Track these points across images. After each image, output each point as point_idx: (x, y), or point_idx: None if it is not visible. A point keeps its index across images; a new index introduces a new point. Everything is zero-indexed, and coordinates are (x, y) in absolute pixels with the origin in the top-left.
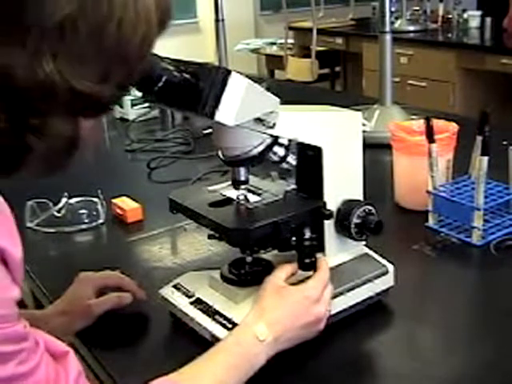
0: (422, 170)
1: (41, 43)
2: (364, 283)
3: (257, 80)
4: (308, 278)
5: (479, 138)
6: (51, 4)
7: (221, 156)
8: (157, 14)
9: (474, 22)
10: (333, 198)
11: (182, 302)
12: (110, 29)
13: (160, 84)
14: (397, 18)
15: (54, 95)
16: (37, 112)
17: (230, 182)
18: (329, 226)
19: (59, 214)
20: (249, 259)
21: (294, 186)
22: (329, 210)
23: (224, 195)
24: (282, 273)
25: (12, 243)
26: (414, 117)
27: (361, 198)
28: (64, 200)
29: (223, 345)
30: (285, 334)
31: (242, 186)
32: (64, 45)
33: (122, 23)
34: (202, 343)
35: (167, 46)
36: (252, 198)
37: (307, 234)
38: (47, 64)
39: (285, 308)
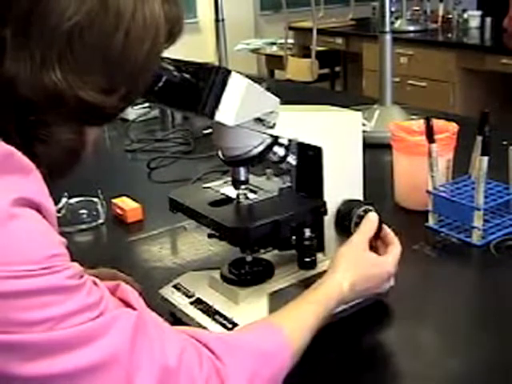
0: (422, 170)
1: (48, 52)
2: None
3: (257, 80)
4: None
5: (479, 138)
6: (59, 14)
7: (221, 156)
8: (166, 27)
9: (474, 22)
10: (333, 198)
11: (181, 302)
12: (117, 39)
13: (160, 84)
14: (397, 18)
15: (61, 104)
16: (44, 121)
17: (226, 180)
18: (329, 225)
19: (59, 214)
20: (249, 259)
21: (289, 184)
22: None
23: (223, 194)
24: (366, 236)
25: (47, 200)
26: (413, 117)
27: (361, 198)
28: (64, 200)
29: (315, 296)
30: (354, 299)
31: (242, 186)
32: (71, 54)
33: (129, 34)
34: None
35: None
36: (251, 196)
37: (307, 234)
38: (54, 73)
39: (367, 276)
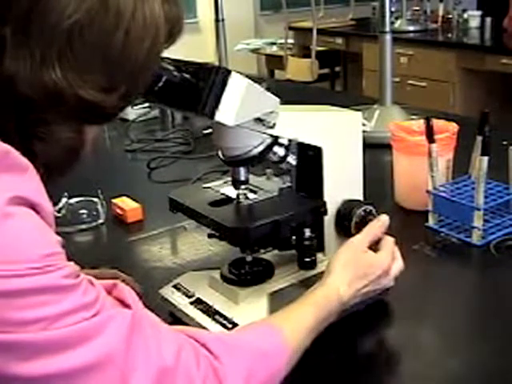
0: (422, 170)
1: (48, 51)
2: None
3: (257, 80)
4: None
5: (479, 138)
6: (59, 12)
7: (221, 156)
8: (166, 27)
9: (474, 22)
10: (333, 198)
11: (181, 302)
12: (117, 38)
13: (160, 84)
14: (397, 18)
15: (60, 103)
16: (43, 119)
17: (226, 180)
18: (329, 225)
19: (59, 214)
20: (249, 259)
21: (289, 184)
22: (324, 202)
23: (223, 194)
24: (368, 238)
25: (43, 199)
26: (413, 117)
27: (361, 198)
28: (64, 200)
29: (313, 298)
30: (354, 299)
31: (242, 186)
32: (71, 53)
33: (130, 33)
34: None
35: None
36: (250, 196)
37: (307, 234)
38: (54, 71)
39: (363, 275)
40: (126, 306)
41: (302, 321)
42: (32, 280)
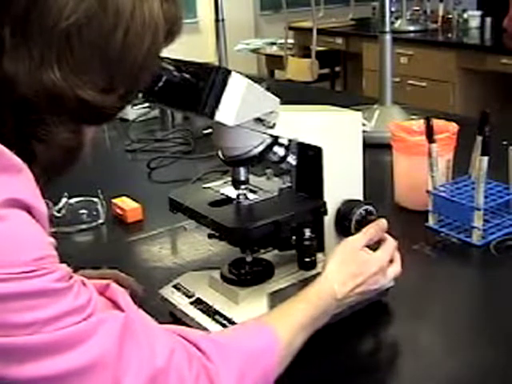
0: (422, 170)
1: (47, 51)
2: None
3: (257, 80)
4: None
5: (479, 138)
6: (57, 12)
7: (221, 156)
8: (165, 26)
9: (474, 22)
10: (333, 198)
11: (181, 302)
12: (116, 38)
13: (160, 84)
14: (397, 18)
15: (60, 104)
16: (42, 120)
17: (226, 180)
18: (329, 225)
19: (59, 214)
20: (249, 259)
21: (289, 184)
22: (324, 202)
23: (223, 194)
24: (365, 238)
25: (38, 200)
26: (413, 117)
27: (361, 198)
28: (64, 200)
29: (305, 295)
30: (350, 298)
31: (242, 186)
32: (70, 53)
33: (128, 33)
34: None
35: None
36: (250, 196)
37: (307, 234)
38: (53, 72)
39: (358, 273)
40: (119, 307)
41: (295, 318)
42: (24, 284)
